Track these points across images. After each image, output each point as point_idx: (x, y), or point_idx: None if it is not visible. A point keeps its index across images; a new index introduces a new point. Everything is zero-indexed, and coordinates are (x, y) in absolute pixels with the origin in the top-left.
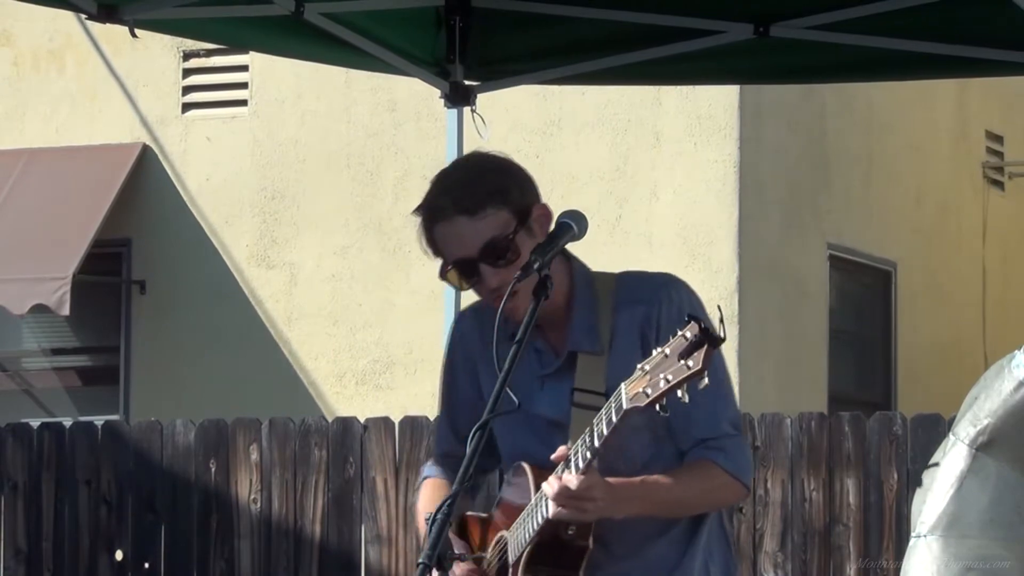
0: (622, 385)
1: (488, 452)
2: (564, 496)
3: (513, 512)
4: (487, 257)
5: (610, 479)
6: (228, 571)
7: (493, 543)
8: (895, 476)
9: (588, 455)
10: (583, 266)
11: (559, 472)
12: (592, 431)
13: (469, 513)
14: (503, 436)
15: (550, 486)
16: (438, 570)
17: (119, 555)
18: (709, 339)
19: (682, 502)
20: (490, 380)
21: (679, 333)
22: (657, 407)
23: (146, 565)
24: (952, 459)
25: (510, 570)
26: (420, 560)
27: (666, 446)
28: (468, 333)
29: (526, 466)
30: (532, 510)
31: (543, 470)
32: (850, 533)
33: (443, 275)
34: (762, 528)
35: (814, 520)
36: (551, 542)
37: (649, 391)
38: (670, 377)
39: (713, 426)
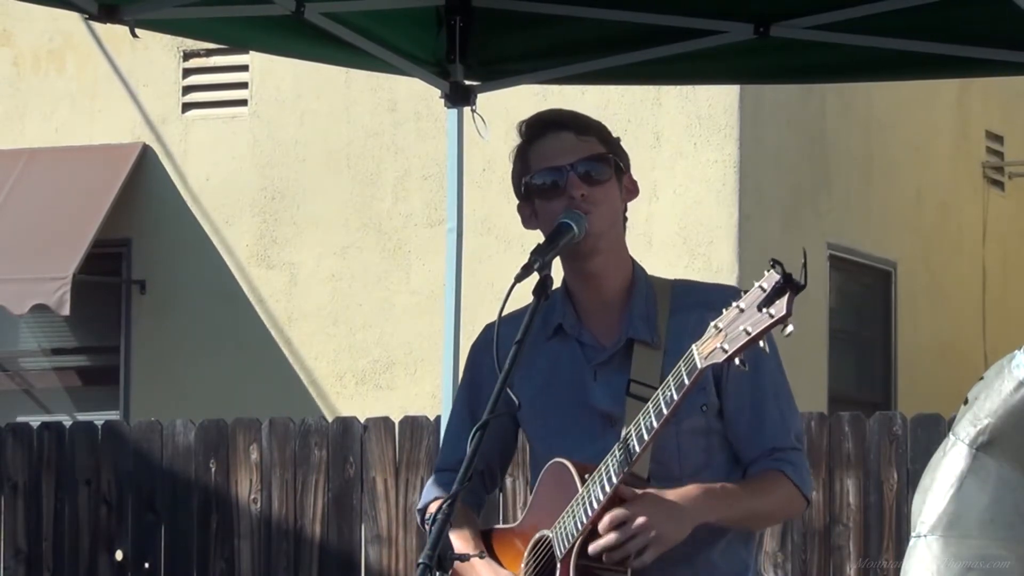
0: (693, 347)
1: (499, 462)
2: (614, 527)
3: (553, 511)
4: (580, 168)
5: (680, 491)
6: (228, 571)
7: (530, 546)
8: (895, 476)
9: (655, 424)
10: (640, 266)
11: (610, 458)
12: (659, 399)
13: (497, 526)
14: (543, 435)
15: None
16: (438, 570)
17: (119, 555)
18: (792, 285)
19: (756, 513)
20: (524, 382)
21: (755, 285)
22: (737, 361)
23: (146, 565)
24: (952, 459)
25: (559, 566)
26: (420, 560)
27: (718, 455)
28: (504, 338)
29: (566, 462)
30: (580, 500)
31: (586, 464)
32: (850, 533)
33: (526, 185)
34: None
35: (814, 520)
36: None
37: (727, 346)
38: (750, 328)
39: (783, 436)
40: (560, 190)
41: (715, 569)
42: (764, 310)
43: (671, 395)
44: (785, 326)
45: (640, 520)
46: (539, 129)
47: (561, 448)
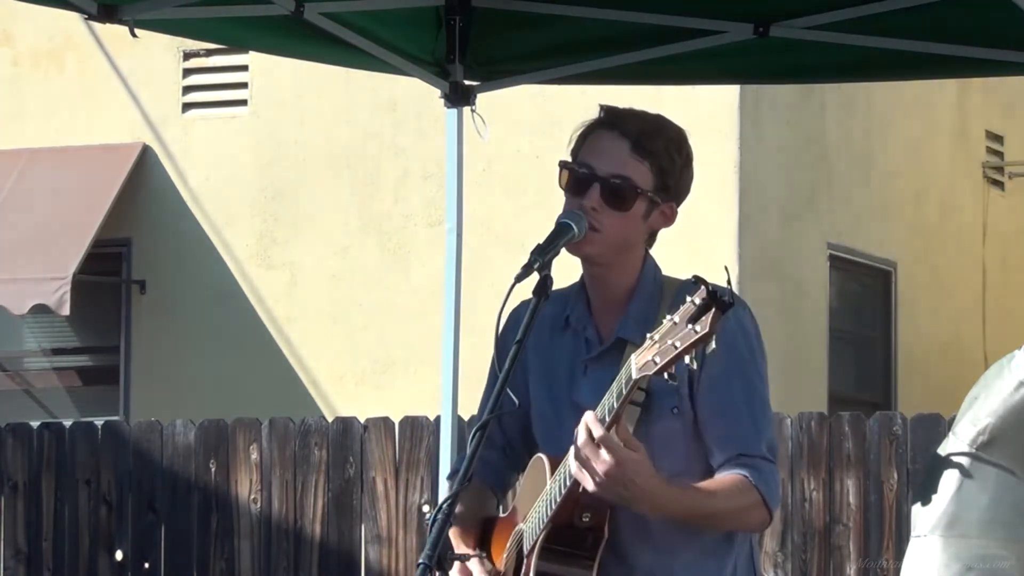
0: (632, 356)
1: (520, 438)
2: (586, 443)
3: (529, 504)
4: (608, 185)
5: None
6: (228, 571)
7: (511, 539)
8: (895, 476)
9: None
10: (655, 264)
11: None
12: (603, 405)
13: (501, 516)
14: (541, 430)
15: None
16: (438, 570)
17: (119, 555)
18: (716, 303)
19: (711, 516)
20: (533, 373)
21: (688, 299)
22: (666, 375)
23: (146, 565)
24: (952, 459)
25: (525, 560)
26: (420, 560)
27: (697, 464)
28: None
29: (543, 457)
30: (545, 496)
31: (559, 459)
32: (850, 533)
33: (563, 165)
34: None
35: (814, 520)
36: (565, 529)
37: (658, 359)
38: (678, 343)
39: (753, 443)
40: (582, 190)
41: None
42: (691, 326)
43: (612, 403)
44: (708, 344)
45: (614, 470)
46: (607, 121)
47: (551, 441)
